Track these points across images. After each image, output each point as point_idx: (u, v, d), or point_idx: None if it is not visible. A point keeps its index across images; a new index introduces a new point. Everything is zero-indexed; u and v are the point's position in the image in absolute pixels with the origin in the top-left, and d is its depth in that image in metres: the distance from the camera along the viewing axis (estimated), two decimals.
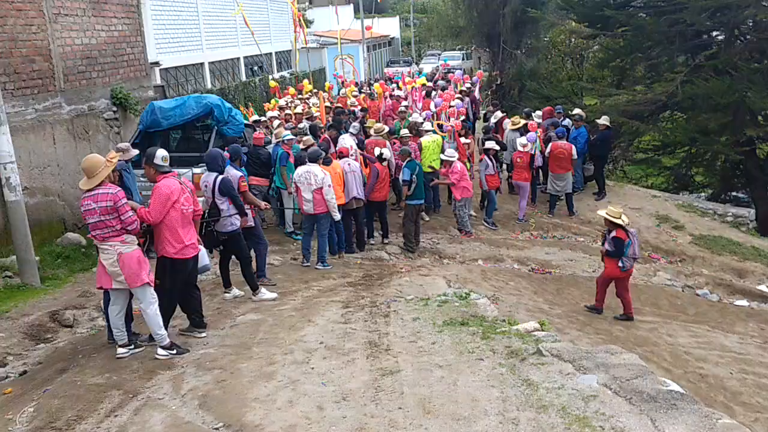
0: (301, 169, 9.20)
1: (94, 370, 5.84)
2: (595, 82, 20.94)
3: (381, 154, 10.68)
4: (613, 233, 8.42)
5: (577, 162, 13.70)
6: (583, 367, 5.08)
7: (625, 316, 8.80)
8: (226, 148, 8.40)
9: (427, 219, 12.17)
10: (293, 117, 14.37)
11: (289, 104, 16.17)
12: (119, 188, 5.87)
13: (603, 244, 8.69)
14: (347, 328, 6.56)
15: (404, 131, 12.27)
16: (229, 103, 11.44)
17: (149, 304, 5.97)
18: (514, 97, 27.16)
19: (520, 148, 12.27)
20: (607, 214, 8.48)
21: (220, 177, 7.45)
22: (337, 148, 10.88)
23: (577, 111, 14.98)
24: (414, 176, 10.32)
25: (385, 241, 11.24)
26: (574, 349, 5.48)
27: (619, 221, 8.36)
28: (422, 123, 13.00)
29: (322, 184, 9.05)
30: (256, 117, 14.28)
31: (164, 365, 5.85)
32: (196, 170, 9.44)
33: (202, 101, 10.85)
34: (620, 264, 8.37)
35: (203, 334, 6.63)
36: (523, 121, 14.09)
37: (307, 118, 14.22)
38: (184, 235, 6.12)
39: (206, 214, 7.28)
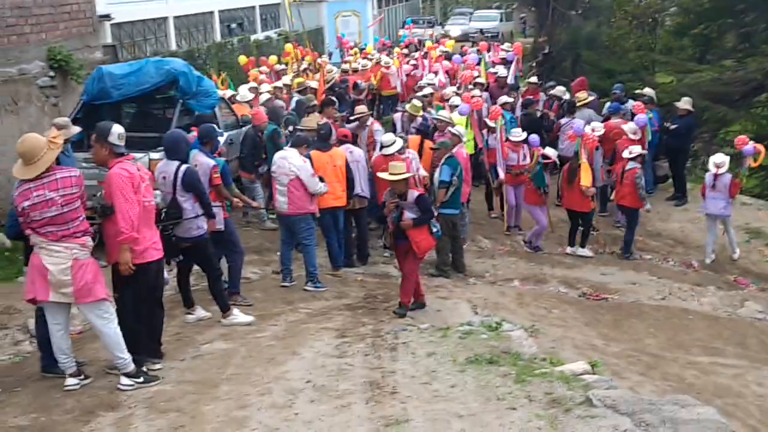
0: (277, 155, 8.58)
1: (17, 409, 5.54)
2: (671, 55, 19.54)
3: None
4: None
5: (646, 158, 12.25)
6: (644, 422, 4.70)
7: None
8: (192, 128, 7.84)
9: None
10: (283, 90, 13.62)
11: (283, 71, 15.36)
12: (77, 169, 5.67)
13: None
14: (342, 363, 6.23)
15: (442, 112, 11.34)
16: (197, 71, 10.87)
17: (107, 323, 5.72)
18: (566, 71, 23.15)
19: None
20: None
21: (184, 167, 6.87)
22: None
23: (647, 91, 13.72)
24: (455, 178, 9.50)
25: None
26: (634, 399, 5.10)
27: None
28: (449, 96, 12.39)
29: (298, 173, 8.33)
30: (231, 91, 13.50)
31: (107, 405, 5.50)
32: (154, 155, 8.74)
33: (164, 67, 10.18)
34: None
35: (158, 366, 6.18)
36: (591, 97, 13.29)
37: (298, 91, 13.42)
38: (146, 234, 5.83)
39: (163, 215, 6.64)
